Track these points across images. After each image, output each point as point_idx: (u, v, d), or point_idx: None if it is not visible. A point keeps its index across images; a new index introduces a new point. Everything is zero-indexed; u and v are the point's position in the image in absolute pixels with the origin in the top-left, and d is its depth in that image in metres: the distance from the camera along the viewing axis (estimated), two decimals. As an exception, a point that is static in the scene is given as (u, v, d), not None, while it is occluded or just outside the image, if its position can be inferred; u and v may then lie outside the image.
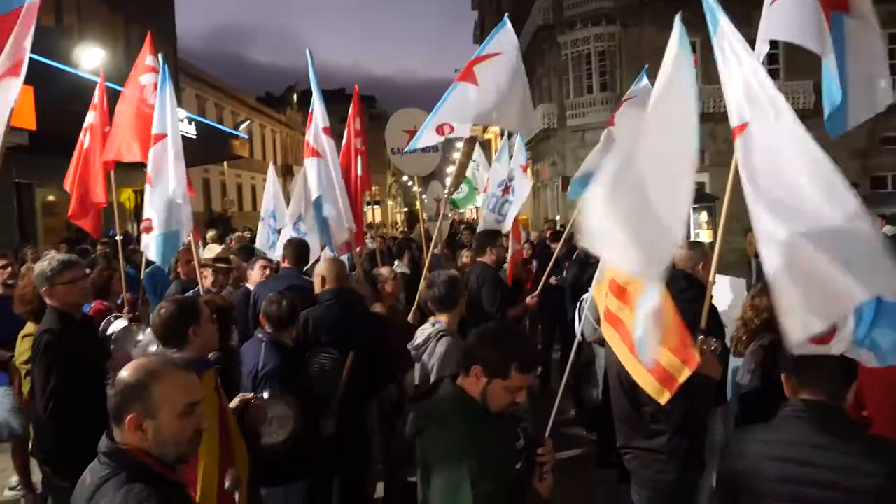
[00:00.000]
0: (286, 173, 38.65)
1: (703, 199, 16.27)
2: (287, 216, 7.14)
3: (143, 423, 1.91)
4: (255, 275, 5.72)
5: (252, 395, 3.39)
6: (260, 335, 3.78)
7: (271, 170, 9.25)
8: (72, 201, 6.20)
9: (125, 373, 1.97)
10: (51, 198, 18.24)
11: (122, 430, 1.93)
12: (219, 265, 5.72)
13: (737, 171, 2.53)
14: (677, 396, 3.02)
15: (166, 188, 5.06)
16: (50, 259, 3.72)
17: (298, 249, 5.58)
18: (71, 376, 3.39)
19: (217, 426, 2.79)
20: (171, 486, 1.93)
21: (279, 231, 7.76)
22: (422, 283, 5.86)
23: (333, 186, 5.61)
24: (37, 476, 5.25)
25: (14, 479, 5.67)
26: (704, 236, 15.55)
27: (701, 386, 3.01)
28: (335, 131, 5.85)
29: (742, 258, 13.93)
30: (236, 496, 2.14)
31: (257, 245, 8.24)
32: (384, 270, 5.61)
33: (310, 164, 5.74)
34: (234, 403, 3.33)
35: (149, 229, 5.25)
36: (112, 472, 1.89)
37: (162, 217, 5.13)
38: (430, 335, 3.78)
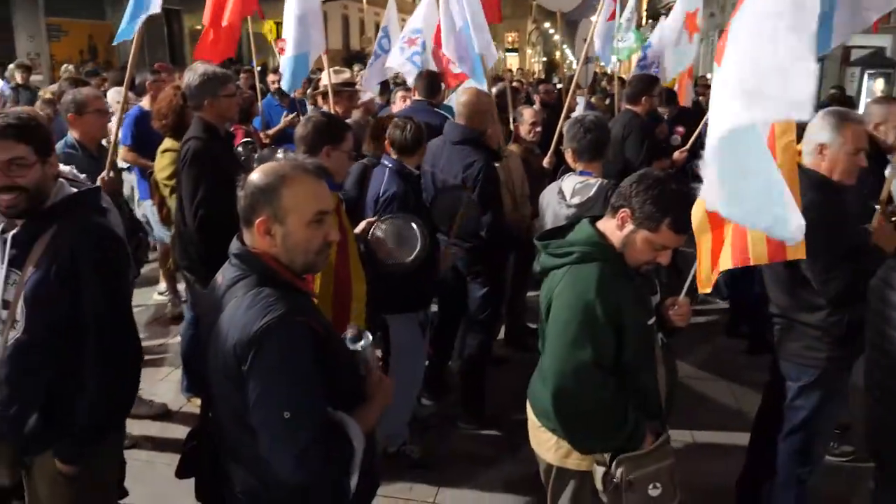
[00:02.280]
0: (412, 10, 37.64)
1: (882, 63, 14.45)
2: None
3: (271, 227, 1.84)
4: (396, 107, 5.62)
5: (376, 217, 3.34)
6: (385, 161, 3.66)
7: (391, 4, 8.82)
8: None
9: (256, 175, 1.88)
10: (198, 26, 18.69)
11: (251, 233, 1.88)
12: (345, 89, 5.61)
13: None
14: (837, 267, 2.70)
15: (299, 6, 4.96)
16: (208, 71, 3.67)
17: (430, 80, 5.34)
18: (217, 188, 3.42)
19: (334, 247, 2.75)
20: (298, 294, 1.88)
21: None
22: (560, 127, 5.57)
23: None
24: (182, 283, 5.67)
25: (163, 285, 6.14)
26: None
27: (870, 257, 2.64)
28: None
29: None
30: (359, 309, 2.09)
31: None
32: (526, 111, 5.25)
33: None
34: (359, 228, 3.30)
35: (283, 50, 5.22)
36: (242, 274, 1.87)
37: (294, 38, 5.05)
38: (602, 186, 3.42)
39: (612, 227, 2.32)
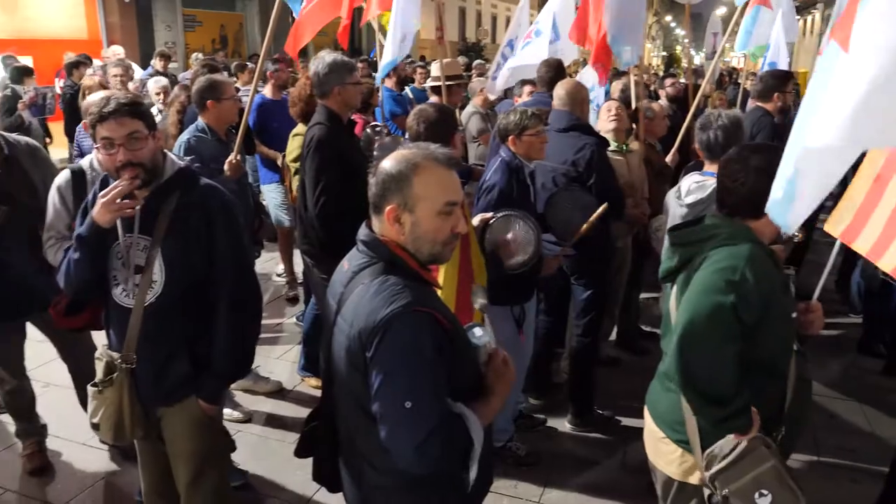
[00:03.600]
0: (541, 5, 37.32)
1: None
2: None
3: (401, 215, 1.84)
4: (521, 101, 5.58)
5: (492, 214, 3.29)
6: (502, 151, 3.60)
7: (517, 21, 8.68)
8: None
9: (388, 163, 1.88)
10: (321, 17, 19.24)
11: (380, 220, 1.88)
12: (450, 83, 5.60)
13: None
14: None
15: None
16: (337, 59, 3.74)
17: (554, 72, 5.24)
18: (339, 174, 3.49)
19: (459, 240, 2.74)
20: (424, 284, 1.87)
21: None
22: (686, 124, 5.34)
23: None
24: (299, 267, 5.85)
25: (280, 267, 6.36)
26: None
27: None
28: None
29: None
30: (477, 306, 2.05)
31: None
32: (655, 105, 5.06)
33: None
34: (474, 221, 3.27)
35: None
36: (369, 260, 1.87)
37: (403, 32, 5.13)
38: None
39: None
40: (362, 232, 1.94)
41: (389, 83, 7.47)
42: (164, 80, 6.59)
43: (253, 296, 2.62)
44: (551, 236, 3.63)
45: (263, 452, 3.88)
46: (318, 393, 4.30)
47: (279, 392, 4.49)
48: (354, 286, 1.86)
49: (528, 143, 3.47)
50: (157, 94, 6.28)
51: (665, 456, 2.35)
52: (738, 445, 2.06)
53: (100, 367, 2.55)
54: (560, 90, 4.14)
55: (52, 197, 3.12)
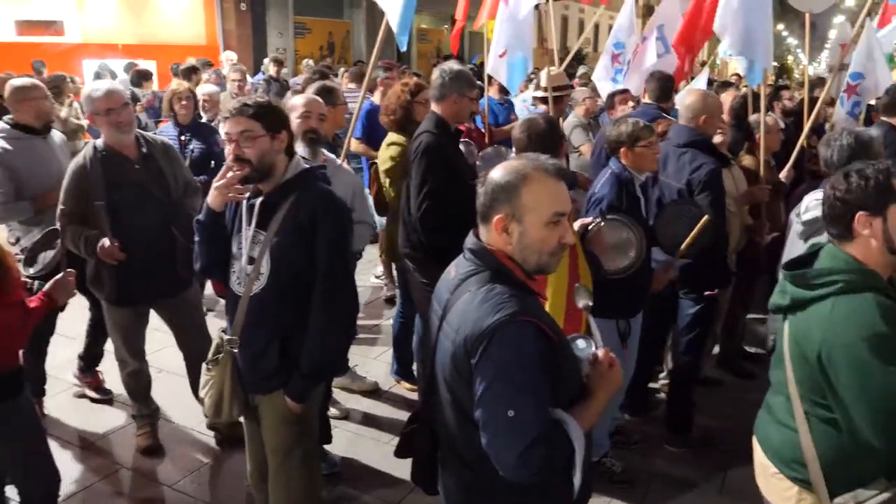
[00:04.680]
0: (646, 14, 36.51)
1: None
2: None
3: (509, 225, 1.85)
4: (616, 112, 5.49)
5: (592, 219, 3.25)
6: (612, 163, 3.55)
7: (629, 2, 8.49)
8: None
9: (497, 173, 1.91)
10: (424, 25, 19.57)
11: (488, 229, 1.90)
12: (555, 94, 5.54)
13: None
14: None
15: (517, 11, 4.99)
16: (463, 70, 3.82)
17: (661, 83, 5.13)
18: (444, 180, 3.54)
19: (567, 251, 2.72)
20: (530, 294, 1.88)
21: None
22: (802, 139, 5.12)
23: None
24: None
25: (379, 269, 6.50)
26: None
27: None
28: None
29: None
30: (586, 316, 2.04)
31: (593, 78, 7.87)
32: (769, 118, 4.86)
33: None
34: (575, 226, 3.24)
35: (503, 55, 5.29)
36: (476, 269, 1.90)
37: (508, 41, 5.10)
38: None
39: (863, 247, 2.04)
40: (470, 240, 1.97)
41: (493, 92, 7.50)
42: (210, 88, 6.33)
43: (346, 300, 2.66)
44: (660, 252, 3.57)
45: (358, 449, 3.98)
46: (413, 395, 4.46)
47: (375, 392, 4.59)
48: (461, 293, 1.88)
49: (640, 155, 3.42)
50: (205, 100, 5.92)
51: (780, 492, 2.25)
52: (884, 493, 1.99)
53: (213, 346, 2.73)
54: (682, 103, 4.05)
55: None
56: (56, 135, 4.26)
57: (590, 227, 3.07)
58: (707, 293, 3.97)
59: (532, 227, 1.84)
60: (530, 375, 1.72)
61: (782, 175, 4.80)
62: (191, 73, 9.02)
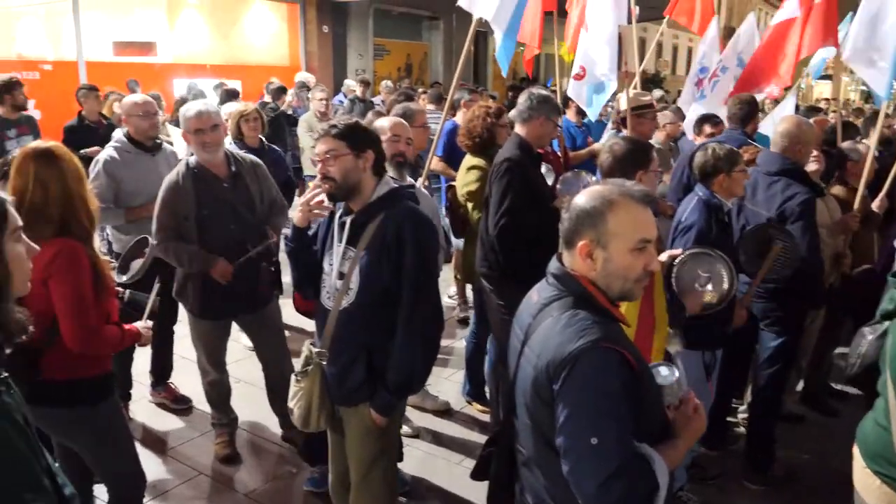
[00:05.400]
0: (727, 36, 35.71)
1: None
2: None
3: (593, 251, 1.85)
4: (701, 138, 5.40)
5: (680, 250, 3.18)
6: (698, 189, 3.49)
7: (714, 25, 8.34)
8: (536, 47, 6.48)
9: (582, 198, 1.90)
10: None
11: (572, 255, 1.90)
12: (641, 111, 5.47)
13: None
14: None
15: (600, 35, 4.97)
16: (548, 94, 3.85)
17: (744, 107, 5.01)
18: (523, 201, 3.56)
19: None
20: (612, 321, 1.86)
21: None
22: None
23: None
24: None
25: (452, 289, 6.53)
26: None
27: None
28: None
29: None
30: (672, 350, 2.01)
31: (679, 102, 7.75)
32: (860, 146, 4.67)
33: None
34: (662, 258, 3.18)
35: (580, 77, 5.27)
36: (559, 294, 1.89)
37: (590, 66, 5.08)
38: None
39: None
40: (553, 265, 1.97)
41: (570, 114, 7.48)
42: (235, 107, 5.92)
43: (431, 317, 2.69)
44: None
45: (429, 469, 3.99)
46: (485, 417, 4.45)
47: (446, 412, 4.60)
48: (543, 318, 1.88)
49: (735, 181, 3.37)
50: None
51: (867, 486, 2.31)
52: None
53: (302, 358, 2.81)
54: (776, 129, 3.96)
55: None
56: (167, 152, 4.45)
57: (677, 259, 3.00)
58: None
59: (617, 254, 1.83)
60: (614, 403, 1.70)
61: (875, 205, 4.60)
62: (281, 93, 9.34)
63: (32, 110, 6.72)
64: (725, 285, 2.99)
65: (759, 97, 5.47)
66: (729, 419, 4.39)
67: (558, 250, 1.97)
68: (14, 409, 1.58)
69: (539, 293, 1.98)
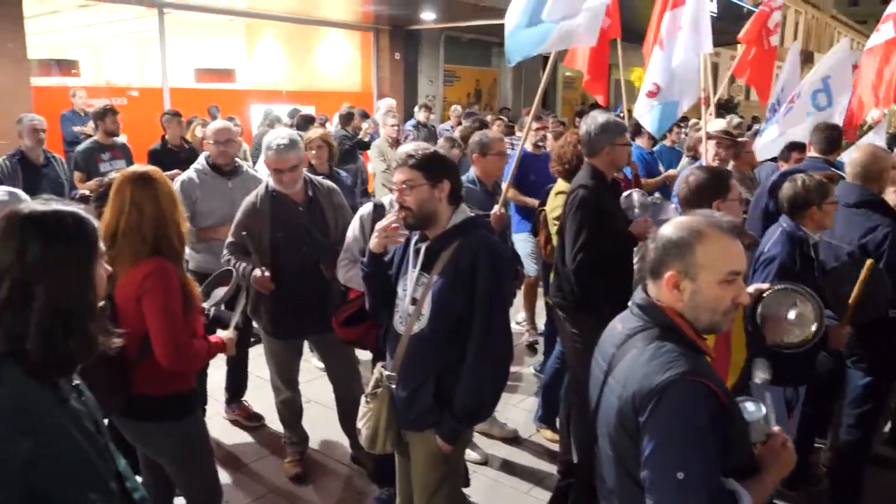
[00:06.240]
0: (806, 60, 34.66)
1: None
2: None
3: (680, 282, 1.82)
4: (788, 165, 5.28)
5: (768, 286, 3.09)
6: (783, 220, 3.38)
7: (795, 49, 8.11)
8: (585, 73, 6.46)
9: (668, 229, 1.88)
10: (569, 73, 19.65)
11: (658, 285, 1.88)
12: (722, 137, 5.37)
13: None
14: None
15: (670, 56, 4.90)
16: (609, 120, 3.81)
17: (828, 134, 4.86)
18: (600, 232, 3.52)
19: None
20: (699, 354, 1.82)
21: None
22: None
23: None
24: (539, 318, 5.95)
25: (521, 315, 6.49)
26: None
27: None
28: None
29: None
30: (757, 380, 1.95)
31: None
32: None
33: None
34: (748, 290, 3.10)
35: (653, 94, 5.18)
36: (644, 325, 1.87)
37: (667, 85, 5.00)
38: None
39: None
40: (638, 295, 1.95)
41: (641, 141, 7.40)
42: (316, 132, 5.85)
43: (500, 345, 2.68)
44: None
45: (496, 497, 3.95)
46: (554, 446, 4.38)
47: (514, 439, 4.56)
48: (628, 349, 1.86)
49: (826, 213, 3.27)
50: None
51: None
52: None
53: (373, 380, 2.84)
54: (854, 159, 3.82)
55: (354, 223, 3.57)
56: (245, 176, 4.59)
57: (765, 294, 2.89)
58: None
59: (706, 286, 1.80)
60: (701, 437, 1.67)
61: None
62: (349, 119, 9.54)
63: (120, 134, 7.03)
64: (813, 327, 2.87)
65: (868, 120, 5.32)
66: (811, 458, 4.21)
67: (642, 279, 1.95)
68: (84, 416, 1.68)
69: (623, 323, 1.96)
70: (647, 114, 5.37)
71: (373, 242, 2.75)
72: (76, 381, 1.72)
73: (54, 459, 1.56)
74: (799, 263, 3.19)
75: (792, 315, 2.90)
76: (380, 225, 2.72)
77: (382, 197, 3.73)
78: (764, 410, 1.91)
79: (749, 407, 1.90)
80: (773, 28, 7.45)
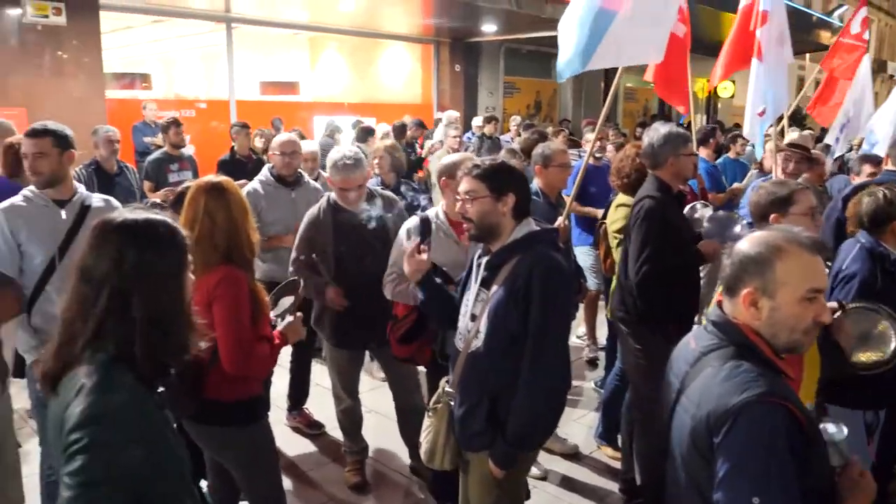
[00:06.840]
0: (879, 70, 33.36)
1: None
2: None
3: (758, 300, 1.76)
4: (859, 177, 5.10)
5: (840, 302, 2.97)
6: (861, 236, 3.25)
7: (866, 63, 7.83)
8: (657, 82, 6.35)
9: (746, 244, 1.83)
10: (630, 84, 19.42)
11: (734, 303, 1.82)
12: (793, 150, 5.21)
13: None
14: None
15: (769, 71, 4.83)
16: (672, 130, 3.74)
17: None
18: (665, 245, 3.44)
19: None
20: (778, 374, 1.76)
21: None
22: None
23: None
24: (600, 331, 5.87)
25: (581, 329, 6.40)
26: None
27: None
28: None
29: None
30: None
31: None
32: None
33: None
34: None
35: (762, 113, 5.13)
36: (719, 343, 1.82)
37: (769, 100, 4.94)
38: None
39: None
40: (713, 312, 1.89)
41: (704, 153, 7.24)
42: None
43: (555, 367, 2.54)
44: None
45: (557, 513, 3.90)
46: (615, 463, 4.30)
47: (574, 455, 4.48)
48: (702, 367, 1.81)
49: None
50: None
51: None
52: None
53: (436, 394, 2.83)
54: None
55: (401, 236, 3.54)
56: (308, 187, 4.71)
57: (837, 313, 2.78)
58: None
59: (786, 304, 1.74)
60: (778, 461, 1.60)
61: None
62: (402, 131, 9.63)
63: (188, 145, 7.23)
64: (892, 346, 2.74)
65: None
66: (890, 486, 4.02)
67: (716, 295, 1.90)
68: (173, 421, 1.73)
69: (697, 340, 1.91)
70: (756, 132, 5.34)
71: (407, 271, 2.78)
72: (162, 389, 1.75)
73: (158, 467, 1.57)
74: (881, 281, 3.05)
75: (866, 333, 2.79)
76: (406, 252, 2.75)
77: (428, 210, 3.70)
78: (846, 432, 1.83)
79: (830, 429, 1.82)
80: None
